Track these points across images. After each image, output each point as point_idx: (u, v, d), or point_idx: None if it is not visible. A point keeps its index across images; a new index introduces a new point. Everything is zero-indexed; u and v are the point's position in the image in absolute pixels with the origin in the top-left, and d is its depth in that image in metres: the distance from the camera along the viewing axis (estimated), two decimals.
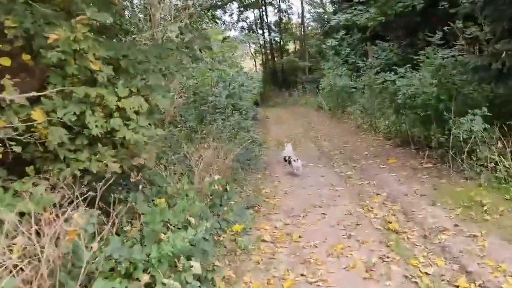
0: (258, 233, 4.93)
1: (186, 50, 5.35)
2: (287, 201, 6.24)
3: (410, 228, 4.46)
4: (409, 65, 9.21)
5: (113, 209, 4.19)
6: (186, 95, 11.23)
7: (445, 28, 8.48)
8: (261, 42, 42.36)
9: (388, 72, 9.66)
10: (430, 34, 9.25)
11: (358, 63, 15.32)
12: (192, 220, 3.79)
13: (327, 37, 22.38)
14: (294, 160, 8.18)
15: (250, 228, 5.07)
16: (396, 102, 8.97)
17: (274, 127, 16.52)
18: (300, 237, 4.61)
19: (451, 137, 6.47)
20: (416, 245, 4.00)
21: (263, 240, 4.62)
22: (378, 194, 6.03)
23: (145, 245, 3.36)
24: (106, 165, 4.06)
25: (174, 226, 3.79)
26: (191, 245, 3.43)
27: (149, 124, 4.55)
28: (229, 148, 8.73)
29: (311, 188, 6.82)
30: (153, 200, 4.74)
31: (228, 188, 5.70)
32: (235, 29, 32.17)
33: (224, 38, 16.53)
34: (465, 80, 7.21)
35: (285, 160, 8.56)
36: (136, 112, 4.21)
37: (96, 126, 3.87)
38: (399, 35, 15.71)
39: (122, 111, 4.06)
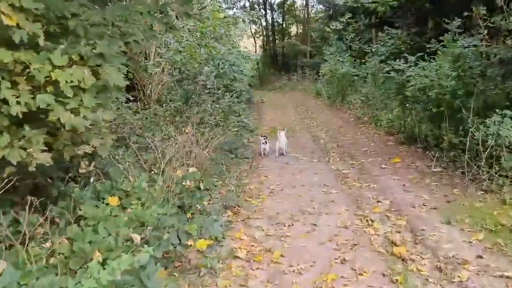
0: (232, 243, 4.03)
1: (160, 15, 4.35)
2: (272, 203, 5.32)
3: (420, 255, 3.55)
4: (421, 53, 8.20)
5: (47, 210, 3.31)
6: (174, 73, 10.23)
7: (465, 13, 7.45)
8: (263, 23, 41.11)
9: (397, 60, 8.64)
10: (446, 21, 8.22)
11: (364, 49, 14.22)
12: (137, 238, 2.86)
13: (332, 20, 21.14)
14: (262, 143, 8.44)
15: (224, 237, 4.17)
16: (404, 94, 8.02)
17: (269, 113, 15.53)
18: (282, 256, 3.70)
19: (468, 139, 5.54)
20: (430, 282, 3.10)
21: (236, 257, 3.72)
22: (379, 201, 5.12)
23: (64, 273, 2.45)
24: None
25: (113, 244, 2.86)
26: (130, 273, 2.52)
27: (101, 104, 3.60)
28: (215, 133, 7.81)
29: (301, 188, 5.90)
30: (103, 199, 3.82)
31: (201, 186, 4.76)
32: (236, 8, 30.73)
33: (224, 17, 15.41)
34: (486, 75, 6.23)
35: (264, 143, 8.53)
36: (82, 89, 3.24)
37: (18, 103, 2.91)
38: (408, 22, 14.63)
39: (57, 85, 3.08)
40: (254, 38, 39.61)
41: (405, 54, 8.13)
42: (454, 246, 3.63)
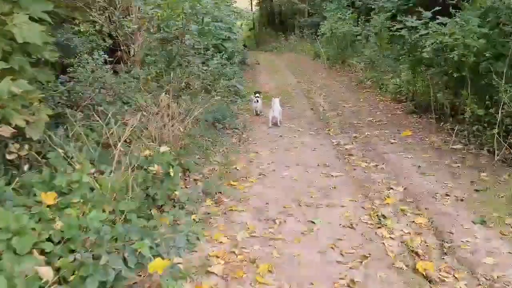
0: (208, 248, 3.15)
1: None
2: (261, 189, 4.40)
3: (452, 273, 2.68)
4: (438, 8, 7.04)
5: None
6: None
7: None
8: None
9: (408, 16, 7.47)
10: None
11: (369, 4, 12.87)
12: (48, 274, 1.92)
13: None
14: (255, 101, 8.26)
15: (198, 239, 3.28)
16: (415, 55, 6.96)
17: (264, 76, 14.38)
18: (270, 271, 2.82)
19: (499, 111, 4.57)
20: None
21: (210, 273, 2.83)
22: (391, 188, 4.22)
23: None
24: None
25: None
26: None
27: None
28: (200, 101, 6.81)
29: (297, 169, 4.97)
30: (35, 195, 2.88)
31: (172, 172, 3.80)
32: None
33: None
34: None
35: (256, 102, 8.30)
36: None
37: None
38: None
39: None
40: None
41: (420, 9, 6.95)
42: (497, 262, 2.75)
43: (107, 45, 8.16)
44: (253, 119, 8.03)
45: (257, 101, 8.20)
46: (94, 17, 7.67)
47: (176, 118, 5.16)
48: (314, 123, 7.42)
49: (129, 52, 8.20)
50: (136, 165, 3.61)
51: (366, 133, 6.43)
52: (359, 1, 14.48)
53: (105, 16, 7.91)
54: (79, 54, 7.75)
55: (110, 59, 8.34)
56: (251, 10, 37.11)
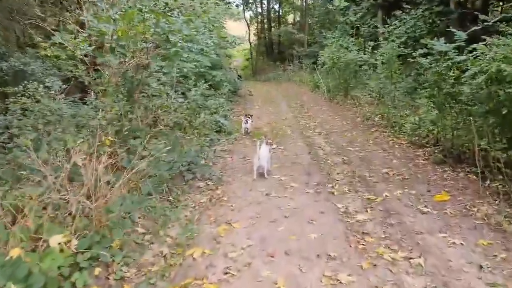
0: None
1: None
2: None
3: None
4: (471, 29, 5.44)
5: None
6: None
7: None
8: (259, 10, 38.21)
9: (427, 39, 5.86)
10: None
11: (376, 31, 11.38)
12: None
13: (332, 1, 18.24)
14: (244, 122, 8.52)
15: None
16: (444, 87, 5.31)
17: (258, 109, 12.74)
18: None
19: None
20: None
21: None
22: None
23: None
24: None
25: None
26: None
27: None
28: (164, 143, 5.12)
29: (285, 263, 3.17)
30: None
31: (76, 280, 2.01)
32: None
33: None
34: None
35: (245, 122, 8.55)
36: None
37: None
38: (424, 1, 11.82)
39: None
40: (248, 26, 36.61)
41: (452, 29, 5.34)
42: None
43: (77, 72, 6.51)
44: (236, 165, 6.29)
45: (247, 121, 8.48)
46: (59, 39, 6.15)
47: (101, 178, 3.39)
48: (312, 174, 5.65)
49: (95, 79, 6.55)
50: None
51: (384, 194, 4.65)
52: (365, 27, 13.04)
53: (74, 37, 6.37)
54: (30, 82, 6.22)
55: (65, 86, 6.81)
56: (249, 40, 36.23)
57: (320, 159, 6.45)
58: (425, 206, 4.21)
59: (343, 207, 4.35)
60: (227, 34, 12.06)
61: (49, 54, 7.14)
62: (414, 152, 6.46)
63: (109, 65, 6.09)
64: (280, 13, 38.02)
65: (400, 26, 10.83)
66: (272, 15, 37.75)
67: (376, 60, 9.81)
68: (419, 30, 10.88)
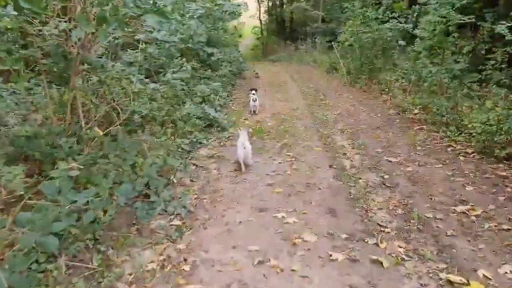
0: None
1: None
2: None
3: None
4: None
5: None
6: None
7: None
8: None
9: None
10: None
11: None
12: None
13: None
14: (253, 100, 7.64)
15: None
16: None
17: (264, 95, 10.44)
18: None
19: None
20: None
21: None
22: None
23: None
24: None
25: None
26: None
27: None
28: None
29: None
30: None
31: None
32: None
33: None
34: None
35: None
36: None
37: None
38: None
39: None
40: (258, 2, 33.98)
41: None
42: None
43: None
44: (215, 188, 4.15)
45: (255, 100, 7.69)
46: None
47: None
48: (339, 212, 3.46)
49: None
50: None
51: (480, 272, 2.47)
52: None
53: None
54: None
55: None
56: (259, 18, 33.69)
57: (348, 178, 4.26)
58: None
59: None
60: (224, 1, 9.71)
61: None
62: (494, 170, 4.22)
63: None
64: None
65: None
66: None
67: (422, 30, 7.33)
68: None
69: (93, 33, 3.53)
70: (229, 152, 5.30)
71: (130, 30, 5.11)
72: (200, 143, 5.71)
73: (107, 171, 3.50)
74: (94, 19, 3.33)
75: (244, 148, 4.59)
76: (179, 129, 5.68)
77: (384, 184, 4.05)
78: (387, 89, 9.26)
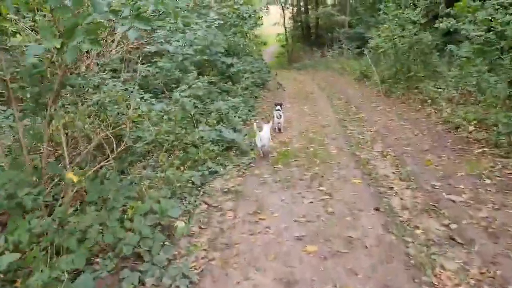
0: None
1: None
2: None
3: None
4: None
5: None
6: None
7: None
8: None
9: None
10: None
11: None
12: None
13: None
14: (278, 116, 6.83)
15: None
16: None
17: (290, 109, 9.48)
18: None
19: None
20: None
21: None
22: None
23: None
24: None
25: None
26: None
27: None
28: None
29: None
30: None
31: None
32: None
33: None
34: None
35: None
36: None
37: None
38: None
39: None
40: (283, 8, 33.17)
41: None
42: None
43: None
44: (229, 244, 3.24)
45: (280, 116, 6.86)
46: None
47: None
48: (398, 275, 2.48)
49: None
50: None
51: None
52: None
53: None
54: None
55: None
56: (284, 25, 32.84)
57: (402, 229, 3.24)
58: None
59: None
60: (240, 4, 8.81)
61: None
62: None
63: None
64: None
65: None
66: None
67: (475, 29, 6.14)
68: None
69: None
70: (249, 186, 4.38)
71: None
72: (216, 172, 4.81)
73: (83, 232, 2.64)
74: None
75: (260, 140, 5.25)
76: (190, 157, 4.81)
77: (453, 240, 3.02)
78: (430, 101, 8.12)
